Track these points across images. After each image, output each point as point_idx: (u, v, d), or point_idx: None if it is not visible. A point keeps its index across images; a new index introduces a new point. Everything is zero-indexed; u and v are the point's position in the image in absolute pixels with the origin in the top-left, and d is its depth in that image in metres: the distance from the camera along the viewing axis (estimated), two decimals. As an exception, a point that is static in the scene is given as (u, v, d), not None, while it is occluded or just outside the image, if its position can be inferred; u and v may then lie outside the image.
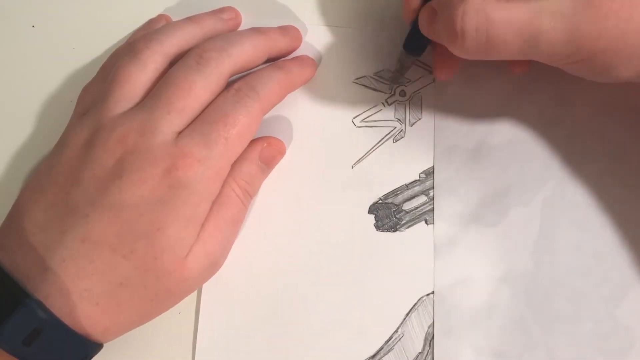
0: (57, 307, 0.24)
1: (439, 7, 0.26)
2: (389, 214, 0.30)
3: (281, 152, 0.30)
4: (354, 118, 0.31)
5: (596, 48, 0.24)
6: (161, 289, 0.25)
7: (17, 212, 0.26)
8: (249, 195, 0.28)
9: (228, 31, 0.31)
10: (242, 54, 0.28)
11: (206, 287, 0.29)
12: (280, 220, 0.30)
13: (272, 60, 0.31)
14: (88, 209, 0.25)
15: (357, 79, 0.32)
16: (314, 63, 0.31)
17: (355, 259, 0.29)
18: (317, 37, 0.32)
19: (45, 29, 0.33)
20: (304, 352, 0.28)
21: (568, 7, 0.24)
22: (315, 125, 0.31)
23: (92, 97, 0.28)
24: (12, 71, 0.32)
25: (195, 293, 0.29)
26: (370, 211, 0.30)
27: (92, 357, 0.25)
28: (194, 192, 0.25)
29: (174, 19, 0.31)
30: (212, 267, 0.27)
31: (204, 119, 0.26)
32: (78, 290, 0.24)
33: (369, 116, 0.31)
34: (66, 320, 0.24)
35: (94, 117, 0.26)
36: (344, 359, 0.28)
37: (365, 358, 0.28)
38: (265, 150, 0.29)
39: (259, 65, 0.30)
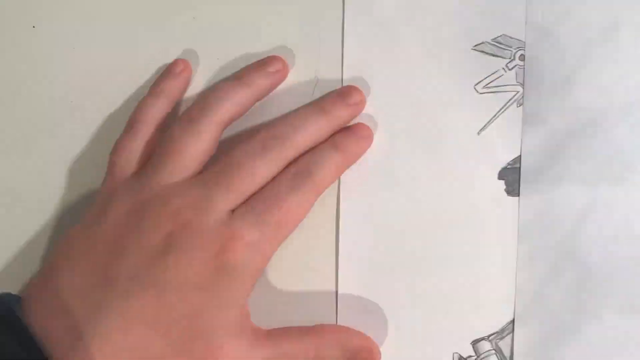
0: None
1: None
2: (519, 178, 0.30)
3: None
4: (475, 85, 0.31)
5: None
6: None
7: (49, 273, 0.25)
8: None
9: (275, 85, 0.30)
10: (306, 139, 0.28)
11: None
12: (408, 188, 0.30)
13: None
14: (128, 284, 0.24)
15: (475, 45, 0.32)
16: (371, 134, 0.30)
17: (487, 225, 0.30)
18: (432, 3, 0.32)
19: (45, 29, 0.32)
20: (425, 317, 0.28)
21: None
22: (437, 94, 0.31)
23: (131, 158, 0.28)
24: (12, 71, 0.32)
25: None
26: (500, 176, 0.30)
27: None
28: (240, 277, 0.25)
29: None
30: None
31: (259, 198, 0.26)
32: None
33: (491, 82, 0.31)
34: None
35: (143, 185, 0.26)
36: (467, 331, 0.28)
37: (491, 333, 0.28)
38: (364, 354, 0.26)
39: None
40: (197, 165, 0.27)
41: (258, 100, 0.30)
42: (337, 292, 0.28)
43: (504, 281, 0.29)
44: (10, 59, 0.32)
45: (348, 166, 0.29)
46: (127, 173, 0.27)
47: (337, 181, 0.30)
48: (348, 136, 0.29)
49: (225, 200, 0.26)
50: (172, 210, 0.25)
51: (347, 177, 0.30)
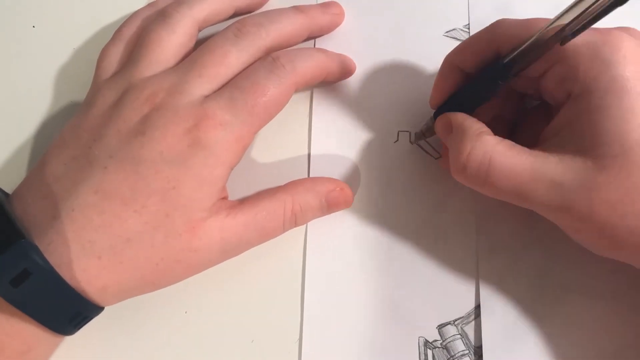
0: (57, 256, 0.23)
1: (454, 126, 0.26)
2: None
3: (347, 204, 0.29)
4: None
5: (588, 230, 0.23)
6: (168, 252, 0.25)
7: (38, 165, 0.26)
8: (295, 222, 0.28)
9: (250, 4, 0.32)
10: (281, 31, 0.28)
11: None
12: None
13: (315, 36, 0.32)
14: (107, 162, 0.25)
15: (447, 32, 0.32)
16: (354, 64, 0.31)
17: (450, 213, 0.30)
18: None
19: (45, 29, 0.33)
20: (390, 301, 0.29)
21: (572, 178, 0.22)
22: (409, 79, 0.31)
23: (114, 60, 0.28)
24: (12, 71, 0.32)
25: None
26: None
27: (86, 316, 0.24)
28: (212, 154, 0.25)
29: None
30: (222, 253, 0.26)
31: (234, 84, 0.26)
32: (82, 241, 0.24)
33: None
34: (63, 270, 0.23)
35: (123, 79, 0.27)
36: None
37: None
38: (335, 193, 0.28)
39: (298, 44, 0.30)
40: (173, 59, 0.28)
41: (237, 11, 0.31)
42: (303, 278, 0.29)
43: (468, 267, 0.29)
44: (10, 59, 0.33)
45: (328, 73, 0.29)
46: (110, 72, 0.28)
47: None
48: (336, 53, 0.30)
49: (198, 84, 0.26)
50: (147, 94, 0.26)
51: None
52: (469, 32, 0.32)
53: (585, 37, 0.23)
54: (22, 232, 0.23)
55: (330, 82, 0.31)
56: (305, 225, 0.30)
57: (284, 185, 0.28)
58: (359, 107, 0.31)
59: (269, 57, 0.27)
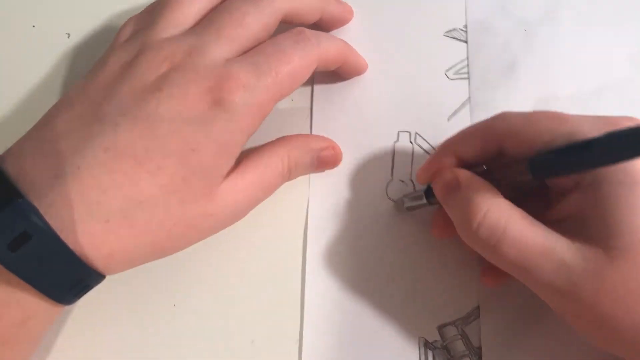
0: (59, 218, 0.21)
1: (463, 183, 0.24)
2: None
3: (336, 163, 0.30)
4: (446, 71, 0.31)
5: (590, 318, 0.22)
6: (183, 217, 0.23)
7: (37, 124, 0.25)
8: (289, 176, 0.28)
9: None
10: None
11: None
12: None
13: (324, 25, 0.31)
14: (119, 119, 0.23)
15: (447, 32, 0.32)
16: (366, 65, 0.31)
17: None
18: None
19: (45, 28, 0.33)
20: (391, 301, 0.28)
21: (581, 263, 0.21)
22: (409, 79, 0.31)
23: (136, 26, 0.27)
24: (12, 71, 0.32)
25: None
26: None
27: (87, 285, 0.23)
28: (234, 118, 0.24)
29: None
30: (233, 216, 0.26)
31: (258, 50, 0.25)
32: (88, 202, 0.22)
33: (462, 68, 0.31)
34: (65, 234, 0.21)
35: (138, 40, 0.25)
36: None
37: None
38: (327, 152, 0.29)
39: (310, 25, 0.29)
40: (192, 22, 0.26)
41: None
42: (303, 277, 0.29)
43: (468, 267, 0.28)
44: (10, 59, 0.32)
45: (345, 61, 0.29)
46: (129, 35, 0.27)
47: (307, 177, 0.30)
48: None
49: (217, 45, 0.25)
50: (165, 54, 0.24)
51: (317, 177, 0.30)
52: (466, 33, 0.32)
53: (595, 127, 0.22)
54: (20, 192, 0.21)
55: (342, 76, 0.31)
56: (305, 223, 0.30)
57: (280, 139, 0.28)
58: (359, 107, 0.31)
59: (295, 30, 0.27)
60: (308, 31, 0.27)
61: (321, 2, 0.30)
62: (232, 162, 0.25)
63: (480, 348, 0.27)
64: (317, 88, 0.32)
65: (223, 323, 0.28)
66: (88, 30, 0.33)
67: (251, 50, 0.26)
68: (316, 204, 0.30)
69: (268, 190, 0.27)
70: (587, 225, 0.22)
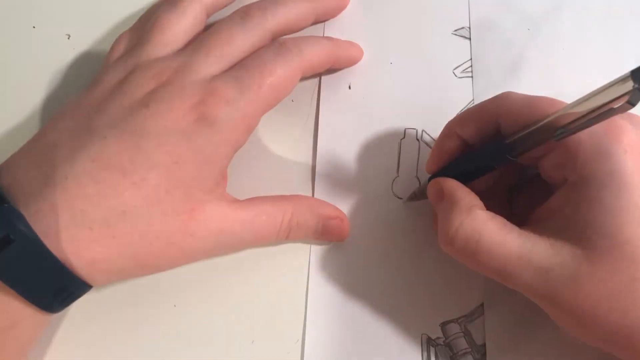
0: (44, 224, 0.22)
1: (446, 194, 0.25)
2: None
3: (341, 237, 0.29)
4: (454, 69, 0.31)
5: (572, 320, 0.22)
6: (164, 232, 0.24)
7: (33, 138, 0.25)
8: (287, 235, 0.28)
9: None
10: (287, 14, 0.28)
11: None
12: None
13: (321, 20, 0.32)
14: (108, 131, 0.24)
15: (456, 30, 0.32)
16: (361, 52, 0.31)
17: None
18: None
19: (45, 29, 0.33)
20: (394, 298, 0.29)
21: (559, 267, 0.22)
22: (417, 77, 0.31)
23: (127, 44, 0.28)
24: (12, 71, 0.32)
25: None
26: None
27: (71, 293, 0.23)
28: (218, 132, 0.24)
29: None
30: (215, 246, 0.26)
31: (241, 64, 0.26)
32: (73, 210, 0.22)
33: (469, 67, 0.31)
34: (49, 240, 0.22)
35: (130, 59, 0.27)
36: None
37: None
38: (335, 222, 0.28)
39: (305, 29, 0.30)
40: (182, 41, 0.28)
41: None
42: (307, 276, 0.29)
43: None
44: (10, 59, 0.33)
45: (335, 61, 0.30)
46: (120, 55, 0.28)
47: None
48: (343, 40, 0.31)
49: (205, 63, 0.26)
50: (154, 73, 0.25)
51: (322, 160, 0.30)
52: (470, 32, 0.32)
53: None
54: (5, 198, 0.22)
55: (338, 69, 0.31)
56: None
57: (288, 195, 0.28)
58: (365, 104, 0.31)
59: (276, 42, 0.27)
60: (290, 42, 0.27)
61: (311, 6, 0.30)
62: (216, 176, 0.25)
63: (483, 346, 0.28)
64: (324, 84, 0.31)
65: (223, 323, 0.28)
66: (88, 30, 0.33)
67: (235, 66, 0.26)
68: (321, 202, 0.30)
69: (258, 237, 0.27)
70: (569, 225, 0.22)
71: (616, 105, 0.19)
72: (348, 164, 0.30)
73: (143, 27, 0.28)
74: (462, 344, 0.28)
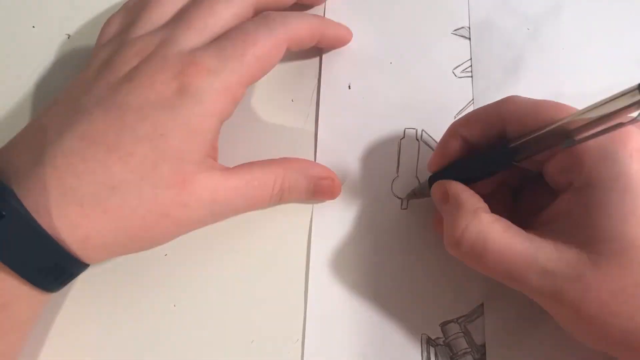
0: (35, 201, 0.22)
1: (451, 196, 0.25)
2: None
3: (333, 195, 0.29)
4: (454, 69, 0.31)
5: (578, 322, 0.22)
6: (156, 204, 0.24)
7: (28, 123, 0.26)
8: (280, 198, 0.28)
9: None
10: None
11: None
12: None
13: (306, 2, 0.32)
14: (93, 109, 0.24)
15: (455, 30, 0.32)
16: (350, 34, 0.31)
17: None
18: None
19: (45, 29, 0.33)
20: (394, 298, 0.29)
21: (565, 269, 0.22)
22: (417, 77, 0.31)
23: (115, 27, 0.28)
24: (12, 71, 0.32)
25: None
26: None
27: (67, 270, 0.24)
28: (200, 103, 0.24)
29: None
30: (210, 214, 0.26)
31: (224, 35, 0.26)
32: (63, 187, 0.23)
33: (469, 66, 0.31)
34: (41, 217, 0.22)
35: (118, 39, 0.27)
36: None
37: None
38: (326, 182, 0.28)
39: (288, 5, 0.30)
40: (167, 20, 0.27)
41: None
42: (307, 276, 0.29)
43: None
44: (10, 59, 0.33)
45: (320, 37, 0.29)
46: (111, 36, 0.28)
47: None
48: (331, 19, 0.30)
49: (187, 35, 0.26)
50: (138, 49, 0.26)
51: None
52: (469, 31, 0.32)
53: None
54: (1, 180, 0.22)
55: (326, 48, 0.31)
56: (310, 221, 0.30)
57: (278, 159, 0.28)
58: (365, 103, 0.31)
59: (261, 14, 0.27)
60: (274, 13, 0.27)
61: None
62: (204, 148, 0.25)
63: (482, 346, 0.27)
64: (324, 84, 0.31)
65: (222, 323, 0.28)
66: (88, 30, 0.33)
67: (218, 38, 0.26)
68: (322, 202, 0.30)
69: (251, 201, 0.27)
70: (574, 228, 0.22)
71: (625, 120, 0.20)
72: (348, 164, 0.30)
73: (133, 7, 0.29)
74: (462, 344, 0.28)
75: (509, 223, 0.24)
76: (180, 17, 0.27)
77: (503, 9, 0.32)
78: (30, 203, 0.22)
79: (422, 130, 0.30)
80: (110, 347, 0.28)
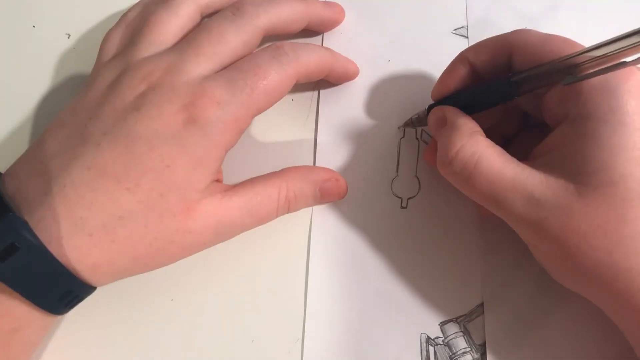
0: (47, 232, 0.23)
1: (449, 120, 0.26)
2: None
3: (340, 195, 0.29)
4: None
5: (555, 253, 0.23)
6: (162, 232, 0.24)
7: (34, 145, 0.26)
8: (288, 208, 0.28)
9: None
10: (279, 12, 0.28)
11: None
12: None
13: (315, 30, 0.32)
14: (101, 138, 0.24)
15: (455, 29, 0.32)
16: (357, 70, 0.31)
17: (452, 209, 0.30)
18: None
19: (45, 29, 0.33)
20: (393, 297, 0.29)
21: (550, 198, 0.22)
22: (416, 77, 0.31)
23: (116, 43, 0.28)
24: (12, 71, 0.32)
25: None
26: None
27: (76, 295, 0.24)
28: (208, 134, 0.24)
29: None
30: (216, 236, 0.26)
31: (235, 66, 0.26)
32: (73, 217, 0.23)
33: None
34: (52, 247, 0.22)
35: (122, 59, 0.26)
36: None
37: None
38: (330, 183, 0.28)
39: (298, 32, 0.30)
40: (173, 40, 0.27)
41: None
42: (307, 275, 0.29)
43: (471, 264, 0.29)
44: (10, 59, 0.33)
45: (331, 70, 0.29)
46: (112, 55, 0.28)
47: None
48: (340, 54, 0.31)
49: (196, 63, 0.25)
50: (144, 73, 0.25)
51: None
52: (467, 30, 0.32)
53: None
54: (10, 207, 0.23)
55: (332, 82, 0.31)
56: (309, 222, 0.30)
57: (280, 171, 0.28)
58: (365, 103, 0.31)
59: (273, 45, 0.27)
60: (287, 45, 0.27)
61: (305, 11, 0.30)
62: (209, 177, 0.25)
63: (482, 345, 0.28)
64: (324, 84, 0.31)
65: (222, 322, 0.28)
66: (88, 30, 0.33)
67: (229, 67, 0.26)
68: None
69: (257, 217, 0.27)
70: (564, 159, 0.23)
71: (629, 58, 0.20)
72: (348, 164, 0.30)
73: (134, 25, 0.28)
74: (461, 343, 0.28)
75: (503, 151, 0.24)
76: (188, 42, 0.26)
77: (501, 8, 0.32)
78: (43, 234, 0.23)
79: (422, 129, 0.30)
80: (107, 343, 0.28)
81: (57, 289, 0.23)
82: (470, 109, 0.26)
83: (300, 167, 0.29)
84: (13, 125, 0.31)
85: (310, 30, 0.32)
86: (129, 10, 0.30)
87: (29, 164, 0.25)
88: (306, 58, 0.27)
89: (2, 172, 0.26)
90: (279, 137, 0.31)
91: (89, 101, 0.26)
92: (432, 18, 0.32)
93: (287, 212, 0.28)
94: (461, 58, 0.27)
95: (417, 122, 0.29)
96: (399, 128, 0.30)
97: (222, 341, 0.28)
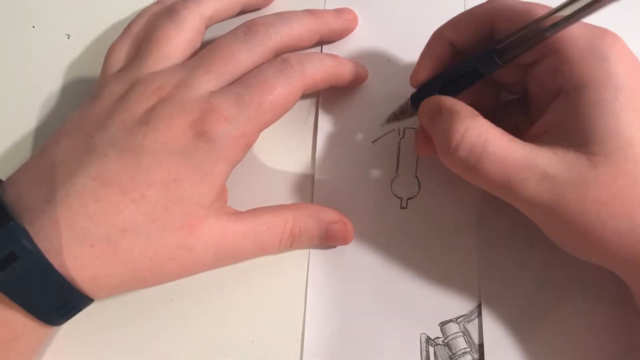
0: (47, 241, 0.22)
1: (444, 108, 0.24)
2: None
3: (345, 240, 0.29)
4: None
5: (574, 230, 0.22)
6: (163, 247, 0.24)
7: (37, 153, 0.26)
8: (290, 244, 0.28)
9: (258, 1, 0.32)
10: (291, 32, 0.28)
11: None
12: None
13: (328, 40, 0.32)
14: (108, 149, 0.24)
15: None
16: (366, 74, 0.31)
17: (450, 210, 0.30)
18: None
19: (45, 29, 0.33)
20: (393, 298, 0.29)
21: (565, 172, 0.22)
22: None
23: (122, 56, 0.28)
24: (12, 71, 0.32)
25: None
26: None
27: (74, 307, 0.24)
28: (215, 149, 0.25)
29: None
30: (216, 259, 0.26)
31: (242, 81, 0.26)
32: (75, 227, 0.23)
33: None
34: (52, 256, 0.22)
35: (130, 73, 0.27)
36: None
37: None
38: (337, 226, 0.28)
39: (309, 48, 0.30)
40: (181, 55, 0.27)
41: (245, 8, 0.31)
42: (306, 276, 0.29)
43: (470, 265, 0.29)
44: (10, 59, 0.33)
45: (338, 79, 0.29)
46: (118, 67, 0.28)
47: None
48: (348, 59, 0.30)
49: (206, 80, 0.26)
50: (155, 88, 0.25)
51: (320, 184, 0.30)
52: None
53: (580, 30, 0.23)
54: (11, 215, 0.22)
55: (341, 88, 0.31)
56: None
57: (289, 204, 0.28)
58: (365, 103, 0.31)
59: (279, 58, 0.27)
60: (293, 58, 0.27)
61: (316, 27, 0.30)
62: (214, 192, 0.25)
63: (482, 345, 0.28)
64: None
65: (222, 322, 0.28)
66: (88, 30, 0.33)
67: (236, 82, 0.26)
68: (321, 201, 0.30)
69: (260, 248, 0.27)
70: (569, 132, 0.22)
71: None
72: (347, 164, 0.30)
73: (140, 38, 0.28)
74: (461, 343, 0.28)
75: (505, 131, 0.23)
76: (200, 60, 0.27)
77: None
78: (43, 243, 0.22)
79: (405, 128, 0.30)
80: (107, 344, 0.28)
81: (55, 300, 0.23)
82: (455, 89, 0.25)
83: (311, 204, 0.29)
84: (12, 126, 0.31)
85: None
86: (132, 22, 0.30)
87: (31, 172, 0.25)
88: (312, 70, 0.27)
89: (3, 179, 0.26)
90: (278, 137, 0.31)
91: (96, 113, 0.26)
92: (432, 18, 0.32)
93: (290, 248, 0.28)
94: (438, 37, 0.26)
95: (401, 114, 0.29)
96: (381, 125, 0.30)
97: (222, 341, 0.28)
